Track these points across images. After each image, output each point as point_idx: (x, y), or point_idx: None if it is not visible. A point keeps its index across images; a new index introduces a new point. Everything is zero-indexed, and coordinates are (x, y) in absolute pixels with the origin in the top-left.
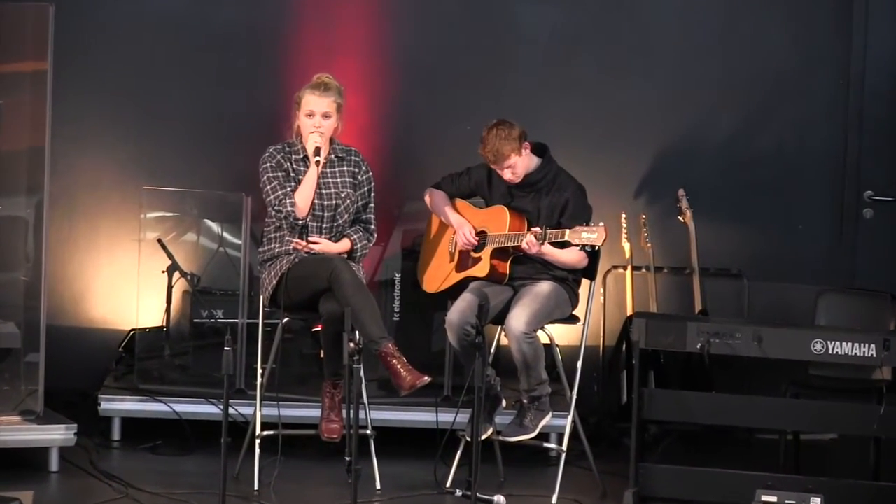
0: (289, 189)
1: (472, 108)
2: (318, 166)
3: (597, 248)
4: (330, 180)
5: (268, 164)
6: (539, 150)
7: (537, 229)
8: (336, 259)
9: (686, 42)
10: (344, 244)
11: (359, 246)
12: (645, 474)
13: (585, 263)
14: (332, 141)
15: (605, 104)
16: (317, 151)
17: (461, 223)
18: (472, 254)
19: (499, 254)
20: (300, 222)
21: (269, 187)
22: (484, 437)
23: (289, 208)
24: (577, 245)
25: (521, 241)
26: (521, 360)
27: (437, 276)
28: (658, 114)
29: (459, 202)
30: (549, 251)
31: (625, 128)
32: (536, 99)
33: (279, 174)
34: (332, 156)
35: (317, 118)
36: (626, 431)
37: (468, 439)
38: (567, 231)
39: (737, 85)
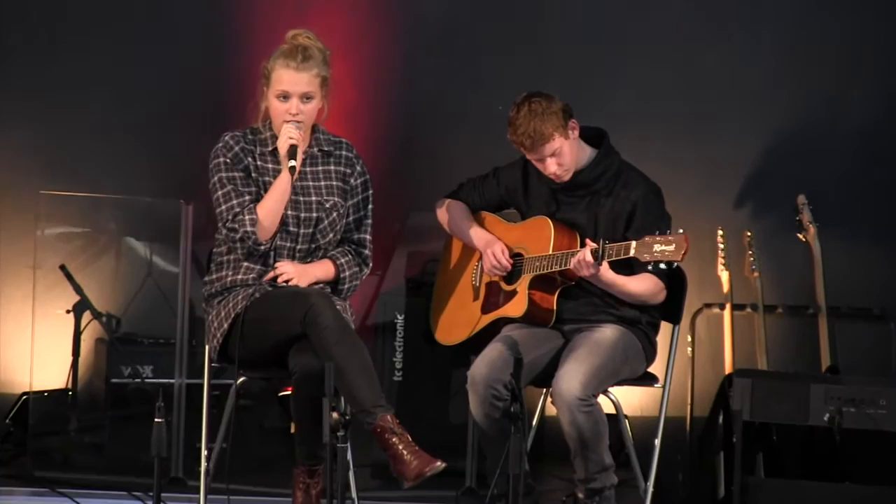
0: (247, 199)
1: (503, 80)
2: (292, 174)
3: (674, 264)
4: (311, 183)
5: (220, 160)
6: (593, 137)
7: (594, 245)
8: (313, 293)
9: None
10: (325, 268)
11: (347, 274)
12: None
13: (663, 297)
14: (315, 128)
15: (690, 77)
16: (292, 152)
17: (488, 241)
18: (504, 286)
19: (541, 284)
20: (262, 248)
21: (220, 193)
22: None
23: (247, 227)
24: (648, 262)
25: (570, 261)
26: (575, 438)
27: (458, 321)
28: (768, 92)
29: (487, 216)
30: (611, 277)
31: (720, 111)
32: (591, 68)
33: (236, 174)
34: (315, 149)
35: (293, 102)
36: None
37: None
38: (633, 243)
39: (875, 54)
